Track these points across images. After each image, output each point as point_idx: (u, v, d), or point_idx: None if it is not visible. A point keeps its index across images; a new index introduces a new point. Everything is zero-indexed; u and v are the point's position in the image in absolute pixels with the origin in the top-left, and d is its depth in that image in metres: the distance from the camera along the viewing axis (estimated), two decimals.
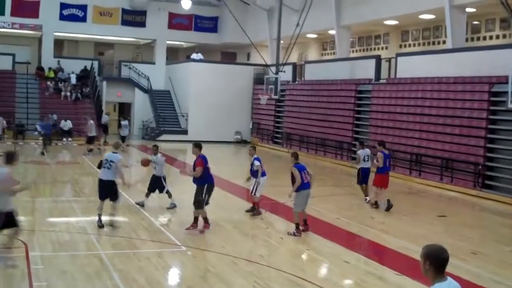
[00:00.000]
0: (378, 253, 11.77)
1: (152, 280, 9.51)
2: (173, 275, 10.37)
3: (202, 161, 12.51)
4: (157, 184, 15.42)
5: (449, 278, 4.49)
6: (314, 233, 13.21)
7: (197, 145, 12.90)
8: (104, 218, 12.96)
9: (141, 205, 15.28)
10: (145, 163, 15.50)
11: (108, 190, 12.89)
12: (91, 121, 28.85)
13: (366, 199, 17.00)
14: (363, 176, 17.23)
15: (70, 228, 13.04)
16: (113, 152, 13.13)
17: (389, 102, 26.25)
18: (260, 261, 10.84)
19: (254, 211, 14.86)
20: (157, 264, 10.48)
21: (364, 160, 17.17)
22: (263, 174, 14.81)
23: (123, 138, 29.75)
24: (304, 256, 11.83)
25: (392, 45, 33.19)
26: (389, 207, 15.76)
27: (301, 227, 12.87)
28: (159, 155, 15.50)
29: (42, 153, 26.52)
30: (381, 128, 26.34)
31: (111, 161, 12.82)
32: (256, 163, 14.72)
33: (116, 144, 14.00)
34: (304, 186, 12.67)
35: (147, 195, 15.47)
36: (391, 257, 11.66)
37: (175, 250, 11.55)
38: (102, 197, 12.98)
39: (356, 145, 19.17)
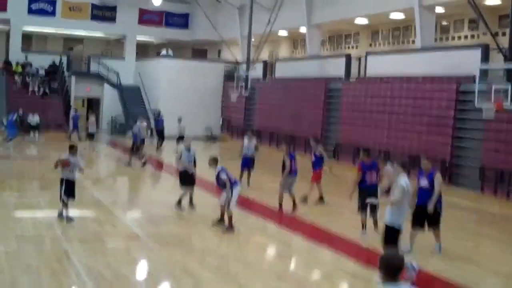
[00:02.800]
0: (350, 249, 11.81)
1: (119, 275, 9.43)
2: (140, 269, 10.28)
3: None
4: (72, 189, 12.97)
5: (402, 284, 4.51)
6: (282, 227, 13.24)
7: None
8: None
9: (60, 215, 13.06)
10: (65, 163, 12.82)
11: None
12: (93, 118, 28.75)
13: None
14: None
15: (36, 222, 12.85)
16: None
17: (359, 100, 26.44)
18: (227, 255, 10.81)
19: (223, 223, 12.94)
20: (124, 259, 10.40)
21: None
22: (236, 184, 12.93)
23: (91, 135, 29.40)
24: (271, 250, 11.83)
25: (362, 44, 33.42)
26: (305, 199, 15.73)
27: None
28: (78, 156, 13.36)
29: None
30: (350, 126, 26.51)
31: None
32: (223, 176, 12.59)
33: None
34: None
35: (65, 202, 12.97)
36: (366, 255, 11.71)
37: (143, 244, 11.46)
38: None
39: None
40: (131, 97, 39.63)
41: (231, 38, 39.01)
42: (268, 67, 37.05)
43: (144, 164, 22.33)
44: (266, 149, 31.05)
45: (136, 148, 22.87)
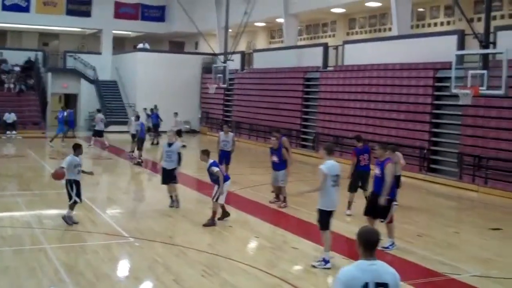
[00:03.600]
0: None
1: (99, 273, 9.36)
2: (121, 267, 10.21)
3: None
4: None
5: (378, 261, 4.57)
6: (264, 221, 13.24)
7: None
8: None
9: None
10: (60, 175, 12.27)
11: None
12: (100, 115, 28.46)
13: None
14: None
15: (14, 222, 12.72)
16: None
17: (337, 89, 26.48)
18: (208, 250, 10.79)
19: (228, 215, 13.23)
20: (104, 257, 10.32)
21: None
22: (227, 178, 12.90)
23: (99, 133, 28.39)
24: (253, 244, 11.82)
25: (339, 32, 33.44)
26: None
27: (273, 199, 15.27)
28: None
29: None
30: (329, 115, 26.56)
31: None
32: (215, 169, 12.58)
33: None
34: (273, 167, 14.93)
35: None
36: (340, 242, 11.72)
37: (123, 241, 11.38)
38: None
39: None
40: (109, 92, 39.40)
41: (208, 30, 38.82)
42: (245, 58, 36.95)
43: (139, 163, 22.22)
44: (245, 142, 31.07)
45: (140, 145, 22.66)
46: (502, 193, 17.66)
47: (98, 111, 30.42)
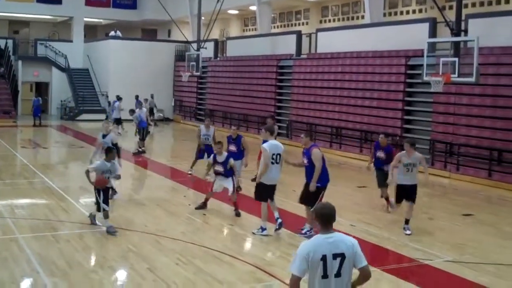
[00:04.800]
0: (301, 226, 11.86)
1: (72, 262, 9.28)
2: (94, 256, 10.13)
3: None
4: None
5: (335, 234, 4.93)
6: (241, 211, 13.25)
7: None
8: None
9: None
10: (102, 182, 11.09)
11: None
12: (118, 103, 27.91)
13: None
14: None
15: None
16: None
17: (310, 77, 26.53)
18: (183, 238, 10.76)
19: (205, 207, 13.09)
20: (77, 246, 10.24)
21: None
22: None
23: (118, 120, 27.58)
24: (227, 232, 11.83)
25: (313, 20, 33.47)
26: None
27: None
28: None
29: None
30: (302, 103, 26.62)
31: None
32: (231, 161, 12.61)
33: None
34: None
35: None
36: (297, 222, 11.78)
37: (96, 230, 11.29)
38: None
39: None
40: (81, 80, 38.99)
41: (181, 17, 38.55)
42: (219, 46, 36.82)
43: (140, 152, 21.50)
44: (218, 130, 30.98)
45: (144, 134, 21.82)
46: (473, 179, 17.90)
47: (119, 98, 29.51)
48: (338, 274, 4.84)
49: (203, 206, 13.02)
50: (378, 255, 10.12)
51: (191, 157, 17.47)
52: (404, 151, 11.60)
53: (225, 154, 12.72)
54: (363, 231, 11.49)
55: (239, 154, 14.64)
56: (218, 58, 35.87)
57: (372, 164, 13.81)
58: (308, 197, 10.75)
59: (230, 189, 12.62)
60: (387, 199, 13.25)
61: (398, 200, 11.89)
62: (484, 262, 9.86)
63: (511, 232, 12.35)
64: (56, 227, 11.46)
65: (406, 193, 11.59)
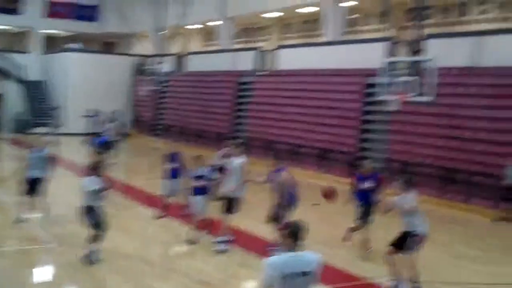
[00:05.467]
0: (245, 240, 11.68)
1: (14, 280, 8.94)
2: (40, 273, 9.77)
3: None
4: None
5: (303, 252, 5.02)
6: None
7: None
8: None
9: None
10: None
11: None
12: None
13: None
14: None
15: None
16: None
17: (270, 93, 26.53)
18: (133, 255, 10.47)
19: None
20: (22, 262, 9.88)
21: None
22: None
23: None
24: (179, 249, 11.57)
25: (274, 37, 33.56)
26: None
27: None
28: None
29: None
30: (261, 120, 26.53)
31: None
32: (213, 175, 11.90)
33: None
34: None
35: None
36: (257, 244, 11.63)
37: (44, 246, 10.93)
38: None
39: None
40: (37, 93, 38.30)
41: (142, 31, 38.30)
42: (179, 60, 36.59)
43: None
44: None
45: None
46: (428, 199, 17.96)
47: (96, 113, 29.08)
48: None
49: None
50: (330, 273, 10.00)
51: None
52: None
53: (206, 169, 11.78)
54: (315, 250, 11.34)
55: (178, 172, 13.57)
56: (178, 73, 35.64)
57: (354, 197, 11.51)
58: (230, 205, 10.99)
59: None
60: (353, 230, 11.47)
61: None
62: (437, 281, 9.81)
63: (463, 251, 12.39)
64: (0, 243, 11.06)
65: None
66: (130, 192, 17.39)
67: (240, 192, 11.25)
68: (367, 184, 11.08)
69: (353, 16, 28.29)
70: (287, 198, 10.73)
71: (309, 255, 5.07)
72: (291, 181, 10.89)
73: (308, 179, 21.55)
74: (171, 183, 13.54)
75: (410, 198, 9.13)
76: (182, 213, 12.68)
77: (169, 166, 13.69)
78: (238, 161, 11.26)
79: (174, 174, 13.54)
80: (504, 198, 16.10)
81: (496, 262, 11.65)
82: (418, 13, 18.40)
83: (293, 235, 5.02)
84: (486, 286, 9.98)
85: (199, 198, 11.40)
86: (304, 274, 4.92)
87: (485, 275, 10.54)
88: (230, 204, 11.11)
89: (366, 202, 11.09)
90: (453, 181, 17.88)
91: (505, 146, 16.89)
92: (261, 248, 10.98)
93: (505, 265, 11.43)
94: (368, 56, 21.68)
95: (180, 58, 36.84)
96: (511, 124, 17.18)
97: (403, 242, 9.14)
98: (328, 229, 13.45)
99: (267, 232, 11.30)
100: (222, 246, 10.96)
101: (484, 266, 11.16)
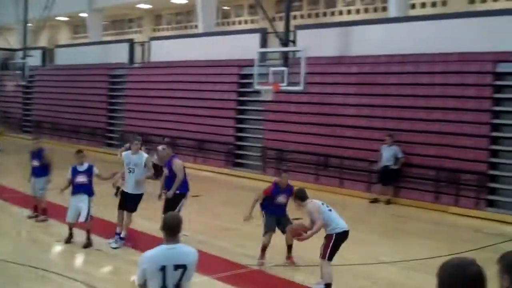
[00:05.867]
0: (135, 239, 11.55)
1: None
2: None
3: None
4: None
5: (178, 245, 5.00)
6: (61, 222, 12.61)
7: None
8: None
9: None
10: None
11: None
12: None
13: None
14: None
15: None
16: None
17: (143, 86, 26.21)
18: (8, 258, 10.01)
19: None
20: None
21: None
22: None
23: None
24: (56, 249, 11.23)
25: (146, 29, 33.17)
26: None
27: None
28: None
29: None
30: (136, 113, 26.16)
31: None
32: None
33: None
34: None
35: None
36: (145, 240, 11.52)
37: None
38: None
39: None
40: None
41: (5, 23, 36.47)
42: (47, 53, 35.22)
43: None
44: (47, 142, 29.61)
45: None
46: (304, 185, 18.46)
47: None
48: (177, 285, 4.91)
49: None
50: (208, 263, 10.05)
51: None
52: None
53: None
54: (196, 240, 11.40)
55: (43, 170, 12.90)
56: (46, 67, 34.32)
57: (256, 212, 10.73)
58: (170, 206, 10.62)
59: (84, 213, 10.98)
60: (265, 248, 10.34)
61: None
62: (301, 265, 10.14)
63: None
64: None
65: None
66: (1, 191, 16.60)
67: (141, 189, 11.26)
68: (282, 199, 10.38)
69: (225, 8, 28.53)
70: (184, 185, 11.03)
71: (185, 248, 5.07)
72: (183, 168, 11.21)
73: (187, 170, 21.57)
74: (35, 181, 12.88)
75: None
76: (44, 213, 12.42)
77: (32, 163, 13.01)
78: (139, 157, 11.20)
79: (38, 172, 12.88)
80: (379, 180, 16.94)
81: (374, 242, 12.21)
82: (287, 5, 18.82)
83: (168, 228, 5.02)
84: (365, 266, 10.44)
85: (79, 194, 11.08)
86: (180, 267, 4.92)
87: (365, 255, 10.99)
88: (129, 202, 11.15)
89: (278, 216, 10.44)
90: (327, 167, 18.57)
91: (372, 131, 17.74)
92: (151, 244, 10.84)
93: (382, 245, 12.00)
94: (242, 47, 21.95)
95: (47, 51, 35.49)
96: (376, 110, 18.05)
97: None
98: (206, 219, 13.55)
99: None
100: (114, 244, 10.83)
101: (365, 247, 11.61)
